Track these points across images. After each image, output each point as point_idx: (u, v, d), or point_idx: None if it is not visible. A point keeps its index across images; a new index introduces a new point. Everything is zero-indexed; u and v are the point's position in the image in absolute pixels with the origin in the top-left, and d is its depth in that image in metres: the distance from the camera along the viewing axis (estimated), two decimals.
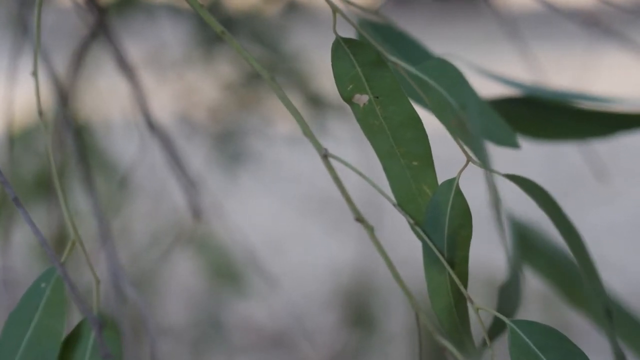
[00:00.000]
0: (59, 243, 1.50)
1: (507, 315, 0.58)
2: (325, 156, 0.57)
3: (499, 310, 0.57)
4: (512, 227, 0.69)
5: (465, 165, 0.53)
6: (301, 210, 3.90)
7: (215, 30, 0.57)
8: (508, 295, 0.60)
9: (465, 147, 0.53)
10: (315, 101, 1.91)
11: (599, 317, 0.67)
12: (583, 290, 0.69)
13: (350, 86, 0.56)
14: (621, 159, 4.59)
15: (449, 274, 0.53)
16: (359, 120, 0.56)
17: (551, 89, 0.61)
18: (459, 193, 0.53)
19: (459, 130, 0.50)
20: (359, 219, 0.56)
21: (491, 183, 0.49)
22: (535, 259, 0.69)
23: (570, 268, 0.69)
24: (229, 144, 1.96)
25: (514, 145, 0.57)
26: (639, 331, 0.70)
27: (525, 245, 0.68)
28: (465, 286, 0.55)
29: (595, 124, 0.58)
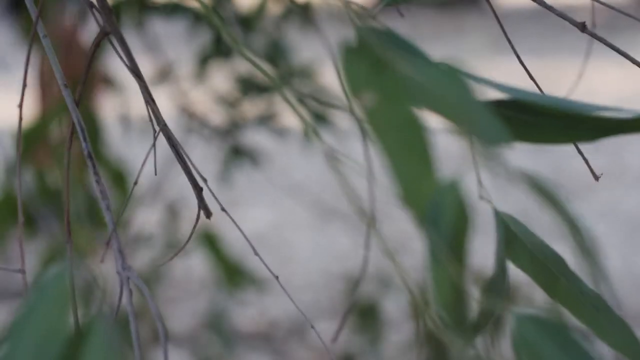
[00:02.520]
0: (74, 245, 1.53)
1: (494, 309, 0.59)
2: (330, 156, 0.59)
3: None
4: (498, 222, 0.71)
5: (468, 170, 0.56)
6: (310, 209, 3.92)
7: (232, 44, 0.60)
8: (494, 289, 0.62)
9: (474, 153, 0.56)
10: (323, 98, 1.93)
11: (580, 312, 0.69)
12: (564, 285, 0.71)
13: (356, 88, 0.58)
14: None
15: (450, 269, 0.56)
16: (364, 121, 0.58)
17: (541, 94, 0.64)
18: (460, 193, 0.56)
19: (464, 136, 0.53)
20: (361, 217, 0.58)
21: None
22: (518, 253, 0.71)
23: (552, 263, 0.71)
24: (237, 144, 1.99)
25: (506, 142, 0.60)
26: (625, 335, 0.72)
27: (510, 239, 0.71)
28: (466, 281, 0.58)
29: (581, 129, 0.61)
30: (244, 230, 3.77)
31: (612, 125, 0.59)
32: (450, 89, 0.57)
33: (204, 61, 1.68)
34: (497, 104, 0.65)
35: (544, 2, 0.89)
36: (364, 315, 1.76)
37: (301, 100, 1.61)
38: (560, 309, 0.72)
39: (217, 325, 1.75)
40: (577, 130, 0.63)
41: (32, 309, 0.58)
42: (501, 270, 0.63)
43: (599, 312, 0.69)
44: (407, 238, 3.38)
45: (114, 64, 2.90)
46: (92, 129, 1.68)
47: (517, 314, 0.56)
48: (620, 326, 0.69)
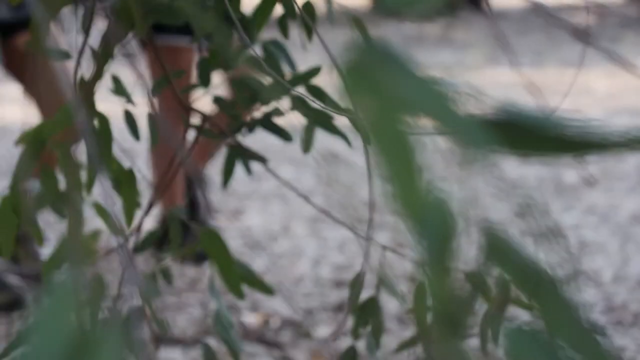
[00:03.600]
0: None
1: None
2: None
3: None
4: (485, 233, 0.74)
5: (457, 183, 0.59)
6: (316, 210, 3.95)
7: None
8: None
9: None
10: (323, 102, 1.96)
11: (556, 326, 0.72)
12: (546, 298, 0.74)
13: (356, 102, 0.62)
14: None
15: (442, 271, 0.59)
16: (363, 132, 0.62)
17: (531, 112, 0.67)
18: (447, 204, 0.59)
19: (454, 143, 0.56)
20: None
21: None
22: (503, 262, 0.74)
23: (535, 276, 0.74)
24: (241, 145, 2.02)
25: (490, 145, 0.63)
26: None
27: (496, 249, 0.73)
28: (453, 283, 0.61)
29: (565, 147, 0.64)
30: (248, 231, 3.80)
31: (595, 144, 0.62)
32: (435, 102, 0.60)
33: (206, 69, 1.71)
34: (487, 119, 0.68)
35: (541, 8, 0.92)
36: (365, 314, 1.80)
37: (302, 103, 1.64)
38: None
39: (220, 326, 1.78)
40: (563, 147, 0.66)
41: (39, 314, 0.60)
42: (480, 269, 0.66)
43: (573, 324, 0.71)
44: (406, 239, 3.41)
45: (118, 67, 2.93)
46: (102, 131, 1.71)
47: (509, 328, 0.58)
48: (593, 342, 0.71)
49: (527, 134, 0.64)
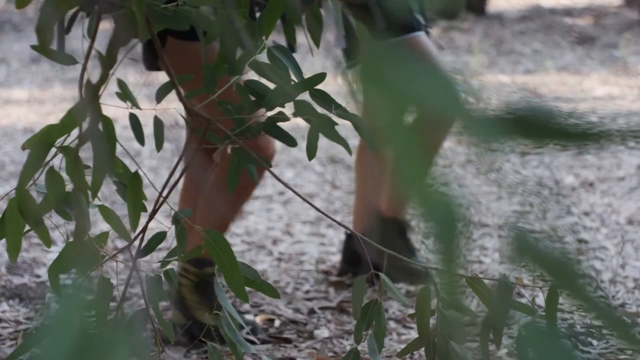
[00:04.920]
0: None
1: None
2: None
3: None
4: (512, 231, 0.76)
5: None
6: (318, 210, 3.97)
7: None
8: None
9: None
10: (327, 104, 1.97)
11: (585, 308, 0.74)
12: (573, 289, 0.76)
13: (368, 101, 0.64)
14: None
15: (452, 264, 0.62)
16: (368, 135, 0.64)
17: (535, 105, 0.69)
18: (458, 200, 0.62)
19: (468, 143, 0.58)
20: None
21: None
22: (533, 260, 0.76)
23: (563, 272, 0.76)
24: (244, 148, 2.03)
25: (498, 139, 0.65)
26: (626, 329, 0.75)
27: (524, 248, 0.75)
28: (462, 281, 0.63)
29: (569, 137, 0.67)
30: (250, 233, 3.82)
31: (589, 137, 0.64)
32: (448, 98, 0.62)
33: (211, 73, 1.73)
34: (495, 114, 0.70)
35: (541, 12, 0.94)
36: (368, 316, 1.81)
37: (306, 109, 1.66)
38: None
39: (224, 328, 1.79)
40: (567, 137, 0.68)
41: (51, 314, 0.62)
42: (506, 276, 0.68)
43: (601, 310, 0.73)
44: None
45: (125, 70, 2.95)
46: (107, 132, 1.73)
47: (523, 324, 0.60)
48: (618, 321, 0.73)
49: (533, 126, 0.66)
